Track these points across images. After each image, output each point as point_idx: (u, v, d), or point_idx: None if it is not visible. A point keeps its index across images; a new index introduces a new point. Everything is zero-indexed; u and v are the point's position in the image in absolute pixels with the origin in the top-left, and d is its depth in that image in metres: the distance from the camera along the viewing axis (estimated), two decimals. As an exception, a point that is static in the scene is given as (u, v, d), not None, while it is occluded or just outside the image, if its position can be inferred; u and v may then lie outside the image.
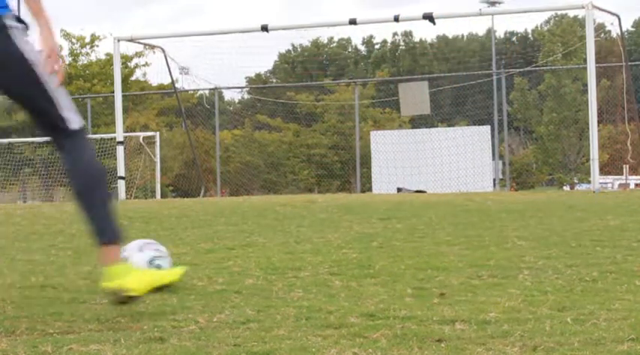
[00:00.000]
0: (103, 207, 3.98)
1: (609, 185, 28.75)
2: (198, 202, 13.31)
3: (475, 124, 27.06)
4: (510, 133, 36.72)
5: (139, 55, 34.16)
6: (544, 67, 35.90)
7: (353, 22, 16.94)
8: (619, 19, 17.22)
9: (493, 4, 55.30)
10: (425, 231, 7.24)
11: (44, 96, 3.87)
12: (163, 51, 20.00)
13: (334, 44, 69.74)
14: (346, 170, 33.13)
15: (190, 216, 9.76)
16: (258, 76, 66.81)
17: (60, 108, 3.91)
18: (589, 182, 18.83)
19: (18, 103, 4.00)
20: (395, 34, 73.14)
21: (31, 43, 3.86)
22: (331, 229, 7.55)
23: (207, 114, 31.03)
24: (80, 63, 35.58)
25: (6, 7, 3.84)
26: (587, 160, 22.88)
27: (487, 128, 24.58)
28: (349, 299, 4.16)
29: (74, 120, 3.96)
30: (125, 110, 26.61)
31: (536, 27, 58.75)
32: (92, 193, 3.99)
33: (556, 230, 7.01)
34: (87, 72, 35.14)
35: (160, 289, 4.09)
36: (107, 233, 3.95)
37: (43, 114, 3.92)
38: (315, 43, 66.01)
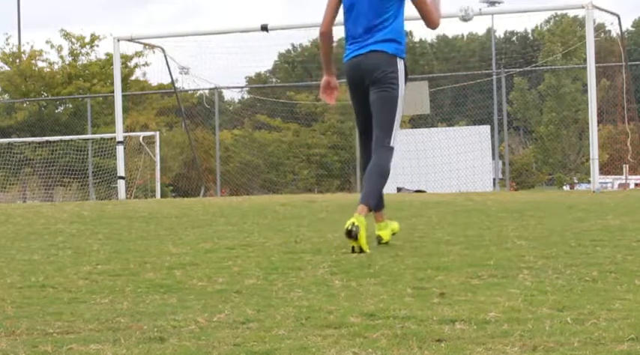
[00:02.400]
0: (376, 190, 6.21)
1: (609, 185, 28.75)
2: (198, 202, 13.31)
3: (475, 124, 27.08)
4: (510, 133, 36.70)
5: (138, 54, 34.11)
6: (544, 67, 35.90)
7: (353, 22, 16.90)
8: (619, 19, 17.23)
9: (493, 4, 55.30)
10: (425, 231, 7.24)
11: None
12: (163, 51, 20.00)
13: (334, 44, 69.62)
14: (346, 170, 33.12)
15: (190, 215, 9.76)
16: (258, 75, 66.82)
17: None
18: (589, 182, 18.81)
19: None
20: (395, 33, 73.03)
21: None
22: (331, 229, 7.55)
23: (207, 114, 31.02)
24: (80, 63, 35.54)
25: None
26: (587, 160, 22.88)
27: (487, 128, 24.59)
28: (349, 299, 4.16)
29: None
30: (125, 110, 26.59)
31: (536, 27, 58.79)
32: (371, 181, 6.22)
33: (556, 230, 7.01)
34: (87, 72, 35.08)
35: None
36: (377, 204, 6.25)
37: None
38: (316, 43, 66.04)
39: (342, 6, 6.47)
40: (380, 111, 6.32)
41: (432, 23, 6.39)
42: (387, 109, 6.31)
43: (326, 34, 6.64)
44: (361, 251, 5.76)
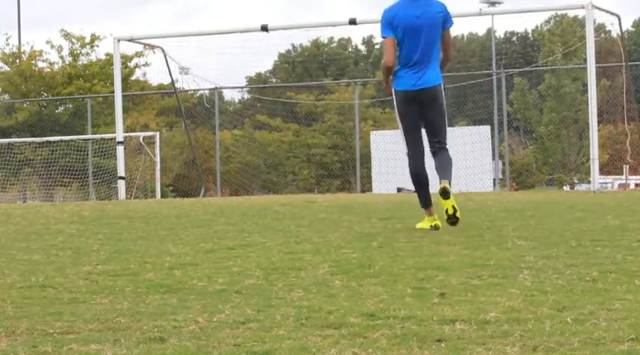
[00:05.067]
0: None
1: (609, 185, 28.73)
2: (198, 202, 13.31)
3: (475, 124, 27.04)
4: (510, 133, 36.68)
5: (138, 55, 34.08)
6: (544, 67, 35.88)
7: (353, 22, 16.93)
8: (619, 19, 17.21)
9: (493, 4, 55.28)
10: (425, 231, 7.24)
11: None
12: (163, 51, 19.98)
13: (334, 44, 69.78)
14: (346, 170, 33.10)
15: (190, 216, 9.76)
16: (258, 75, 66.87)
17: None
18: (589, 182, 18.80)
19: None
20: (395, 33, 72.96)
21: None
22: (331, 229, 7.55)
23: (207, 114, 31.02)
24: (80, 63, 35.52)
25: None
26: (587, 160, 22.86)
27: (487, 128, 24.56)
28: (349, 299, 4.16)
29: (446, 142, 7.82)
30: (125, 110, 26.58)
31: (536, 27, 58.73)
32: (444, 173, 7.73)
33: (556, 230, 7.01)
34: (87, 72, 35.04)
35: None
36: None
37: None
38: (315, 43, 66.02)
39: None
40: None
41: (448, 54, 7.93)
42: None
43: (391, 67, 7.72)
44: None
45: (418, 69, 7.63)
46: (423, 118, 7.79)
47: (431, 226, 7.47)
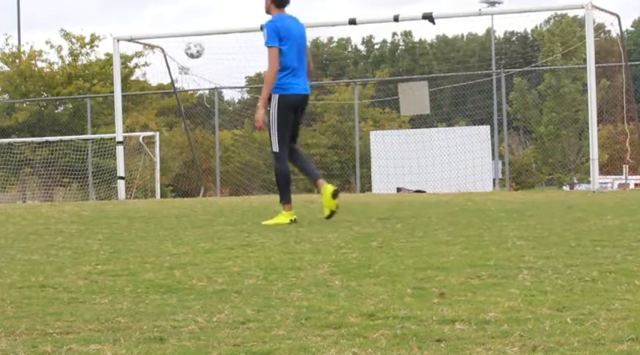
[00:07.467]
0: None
1: (609, 185, 28.74)
2: (198, 202, 13.31)
3: (475, 124, 27.05)
4: (510, 133, 36.67)
5: (138, 55, 34.08)
6: (543, 67, 35.87)
7: (353, 22, 16.92)
8: (619, 19, 17.21)
9: (493, 4, 55.28)
10: (425, 231, 7.24)
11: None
12: (163, 51, 19.98)
13: (334, 44, 69.78)
14: (346, 170, 33.10)
15: (190, 216, 9.76)
16: (258, 75, 66.79)
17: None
18: (589, 182, 18.79)
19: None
20: (394, 33, 73.15)
21: None
22: (331, 229, 7.55)
23: (207, 114, 31.01)
24: (80, 63, 35.50)
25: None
26: (587, 160, 22.86)
27: (487, 128, 24.55)
28: (349, 299, 4.16)
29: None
30: (125, 110, 26.58)
31: (536, 27, 58.78)
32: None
33: (556, 230, 7.01)
34: (87, 72, 35.03)
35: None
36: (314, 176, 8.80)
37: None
38: (315, 43, 66.02)
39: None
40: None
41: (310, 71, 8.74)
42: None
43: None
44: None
45: (302, 76, 8.54)
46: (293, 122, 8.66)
47: (291, 220, 8.33)
